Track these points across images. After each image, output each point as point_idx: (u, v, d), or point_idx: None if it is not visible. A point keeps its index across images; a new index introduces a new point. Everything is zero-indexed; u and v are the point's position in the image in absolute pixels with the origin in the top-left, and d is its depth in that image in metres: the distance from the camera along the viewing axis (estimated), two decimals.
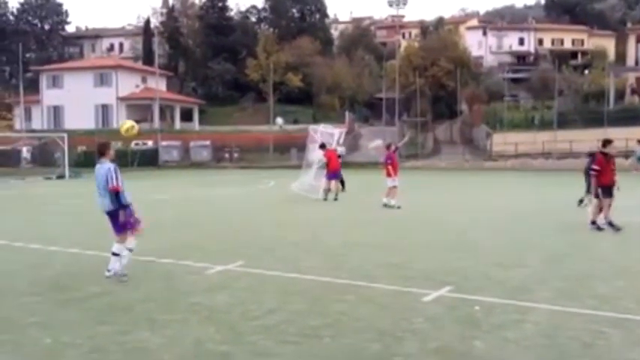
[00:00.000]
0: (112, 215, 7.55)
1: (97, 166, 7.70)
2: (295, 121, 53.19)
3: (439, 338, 5.30)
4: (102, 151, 7.76)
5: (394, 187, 16.14)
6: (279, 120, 52.95)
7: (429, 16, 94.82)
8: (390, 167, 16.25)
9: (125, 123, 8.63)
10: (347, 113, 54.85)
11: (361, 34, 77.59)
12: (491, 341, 5.25)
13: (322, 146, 19.28)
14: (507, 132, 45.47)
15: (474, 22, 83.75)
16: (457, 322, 5.76)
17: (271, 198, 19.85)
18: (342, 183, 20.14)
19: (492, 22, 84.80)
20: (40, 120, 55.59)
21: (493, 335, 5.39)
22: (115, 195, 7.42)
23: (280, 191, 20.91)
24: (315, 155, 19.90)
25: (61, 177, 31.72)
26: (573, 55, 73.97)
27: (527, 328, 5.62)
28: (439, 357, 4.89)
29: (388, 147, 17.29)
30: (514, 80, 65.12)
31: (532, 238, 10.92)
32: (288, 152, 44.76)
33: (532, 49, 77.60)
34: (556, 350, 5.05)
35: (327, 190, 18.58)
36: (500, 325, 5.69)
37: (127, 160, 41.63)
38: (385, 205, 15.76)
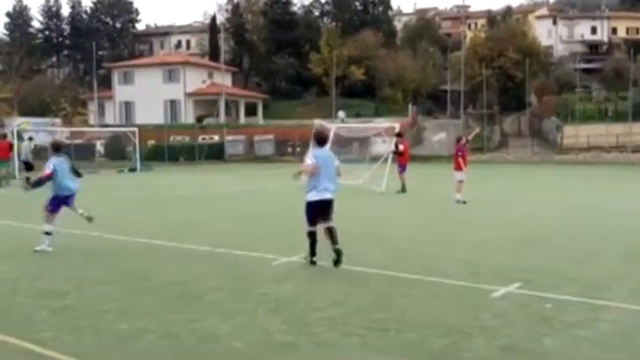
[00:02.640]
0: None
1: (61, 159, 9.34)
2: (357, 115, 53.02)
3: (508, 335, 5.18)
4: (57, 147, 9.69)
5: (461, 181, 15.87)
6: (341, 114, 52.91)
7: (496, 6, 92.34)
8: (460, 160, 15.98)
9: None
10: (410, 106, 54.25)
11: (425, 26, 76.36)
12: (563, 339, 5.09)
13: (399, 135, 19.44)
14: (579, 124, 43.75)
15: (544, 10, 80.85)
16: (527, 319, 5.62)
17: None
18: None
19: (563, 10, 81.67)
20: (112, 115, 57.79)
21: (565, 333, 5.23)
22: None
23: (342, 184, 20.93)
24: (384, 148, 19.90)
25: (132, 170, 32.88)
26: None
27: (602, 326, 5.42)
28: (508, 354, 4.79)
29: (459, 140, 17.06)
30: (586, 70, 62.51)
31: (607, 234, 10.50)
32: (349, 146, 44.69)
33: (605, 38, 74.24)
34: (632, 350, 4.85)
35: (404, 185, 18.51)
36: (572, 323, 5.51)
37: (194, 153, 42.76)
38: (458, 202, 15.45)
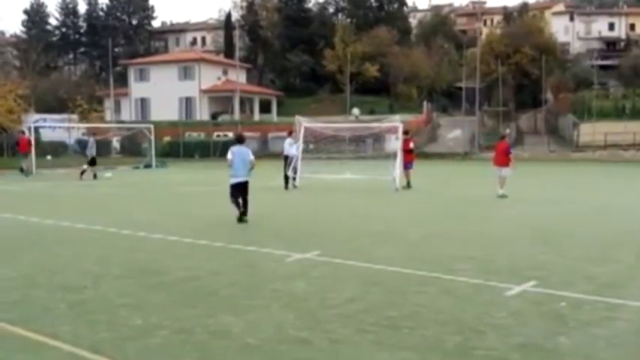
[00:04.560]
0: None
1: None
2: (371, 112, 52.93)
3: (522, 333, 5.16)
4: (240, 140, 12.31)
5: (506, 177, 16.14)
6: (356, 110, 52.86)
7: (513, 2, 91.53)
8: (510, 157, 16.29)
9: None
10: (425, 103, 54.04)
11: (440, 22, 76.07)
12: (578, 338, 5.06)
13: (406, 132, 19.90)
14: (596, 121, 43.33)
15: (561, 7, 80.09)
16: (542, 317, 5.59)
17: (347, 188, 19.91)
18: None
19: (580, 6, 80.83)
20: (128, 112, 58.21)
21: (580, 332, 5.19)
22: None
23: (355, 181, 20.92)
24: (393, 145, 20.13)
25: (148, 166, 33.14)
26: None
27: (618, 325, 5.38)
28: (522, 352, 4.77)
29: (503, 137, 17.70)
30: (603, 67, 61.85)
31: (623, 233, 10.40)
32: (363, 143, 44.62)
33: (623, 35, 73.40)
34: None
35: (408, 182, 18.76)
36: (588, 321, 5.48)
37: (209, 150, 42.92)
38: (502, 197, 15.63)
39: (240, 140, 12.16)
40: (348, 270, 7.64)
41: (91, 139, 26.54)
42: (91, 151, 25.11)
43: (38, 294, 6.53)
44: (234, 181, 11.42)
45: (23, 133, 29.32)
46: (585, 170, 29.98)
